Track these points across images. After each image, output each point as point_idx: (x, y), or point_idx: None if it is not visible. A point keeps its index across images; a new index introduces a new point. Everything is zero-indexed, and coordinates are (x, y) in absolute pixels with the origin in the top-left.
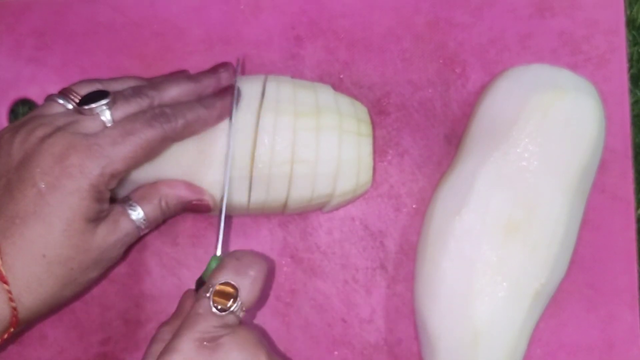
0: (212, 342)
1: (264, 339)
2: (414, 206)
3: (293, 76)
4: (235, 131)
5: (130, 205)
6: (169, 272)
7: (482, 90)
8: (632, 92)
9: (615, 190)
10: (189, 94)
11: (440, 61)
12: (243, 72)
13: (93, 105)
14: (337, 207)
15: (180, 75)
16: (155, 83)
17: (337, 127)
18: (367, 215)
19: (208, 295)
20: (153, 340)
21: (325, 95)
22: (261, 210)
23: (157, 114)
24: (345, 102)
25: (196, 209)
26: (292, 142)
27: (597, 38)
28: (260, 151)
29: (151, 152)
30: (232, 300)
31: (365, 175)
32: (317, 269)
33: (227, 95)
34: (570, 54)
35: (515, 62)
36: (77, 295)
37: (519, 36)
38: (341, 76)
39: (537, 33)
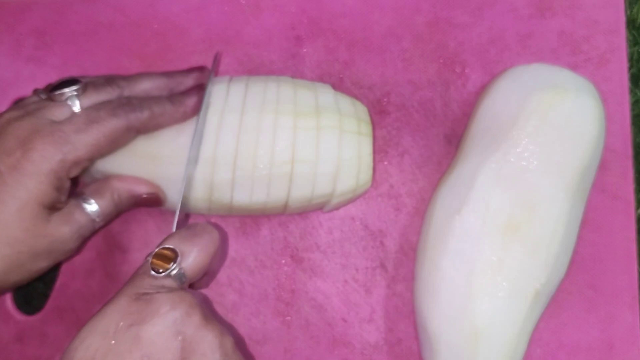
0: (146, 297)
1: (207, 306)
2: (414, 206)
3: (293, 76)
4: (203, 131)
5: (85, 199)
6: None
7: (482, 90)
8: (632, 91)
9: (615, 190)
10: (160, 89)
11: (440, 61)
12: (243, 72)
13: (64, 90)
14: (337, 207)
15: (154, 72)
16: (128, 75)
17: (337, 127)
18: (367, 215)
19: (149, 258)
20: None
21: (326, 95)
22: (262, 210)
23: (123, 103)
24: (345, 102)
25: (147, 202)
26: (293, 142)
27: (597, 38)
28: (260, 151)
29: (115, 142)
30: (170, 263)
31: (365, 175)
32: (317, 269)
33: (195, 94)
34: (570, 54)
35: (515, 62)
36: (22, 283)
37: (519, 36)
38: (341, 76)
39: (537, 33)
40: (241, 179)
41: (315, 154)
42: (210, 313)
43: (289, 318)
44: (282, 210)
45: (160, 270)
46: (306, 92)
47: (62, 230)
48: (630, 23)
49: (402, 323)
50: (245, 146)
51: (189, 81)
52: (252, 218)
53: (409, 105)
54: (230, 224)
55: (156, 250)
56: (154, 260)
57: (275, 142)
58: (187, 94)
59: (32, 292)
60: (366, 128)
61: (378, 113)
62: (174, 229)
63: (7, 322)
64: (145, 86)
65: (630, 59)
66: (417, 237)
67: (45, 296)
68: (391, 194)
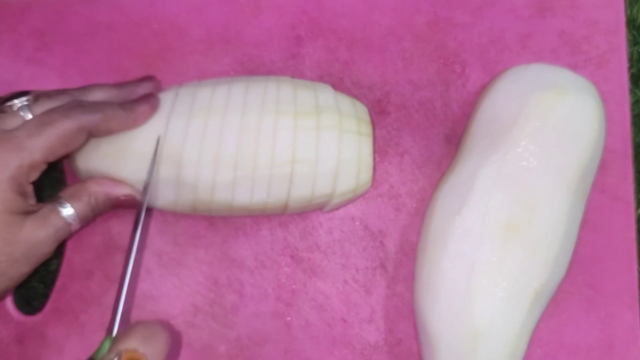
0: None
1: None
2: (414, 206)
3: (293, 76)
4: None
5: (61, 203)
6: (169, 272)
7: (482, 90)
8: (632, 91)
9: (615, 190)
10: (112, 99)
11: (441, 61)
12: (243, 72)
13: (15, 102)
14: (337, 207)
15: (106, 83)
16: (80, 87)
17: (337, 127)
18: (367, 215)
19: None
20: None
21: (326, 95)
22: (262, 210)
23: (75, 105)
24: (345, 102)
25: (124, 204)
26: (293, 142)
27: (597, 38)
28: (261, 152)
29: (69, 143)
30: None
31: (365, 175)
32: (317, 269)
33: (146, 101)
34: (570, 54)
35: (515, 62)
36: (9, 290)
37: (519, 36)
38: (341, 76)
39: (537, 33)
40: (242, 180)
41: (315, 154)
42: None
43: (289, 318)
44: (282, 211)
45: None
46: (306, 92)
47: (39, 234)
48: (630, 23)
49: (402, 323)
50: (245, 147)
51: (140, 91)
52: (252, 218)
53: (409, 105)
54: (230, 224)
55: (126, 354)
56: None
57: (275, 142)
58: (138, 101)
59: (32, 293)
60: (366, 128)
61: (378, 113)
62: (118, 314)
63: (7, 323)
64: (97, 96)
65: (630, 59)
66: (417, 237)
67: (45, 297)
68: (391, 194)
